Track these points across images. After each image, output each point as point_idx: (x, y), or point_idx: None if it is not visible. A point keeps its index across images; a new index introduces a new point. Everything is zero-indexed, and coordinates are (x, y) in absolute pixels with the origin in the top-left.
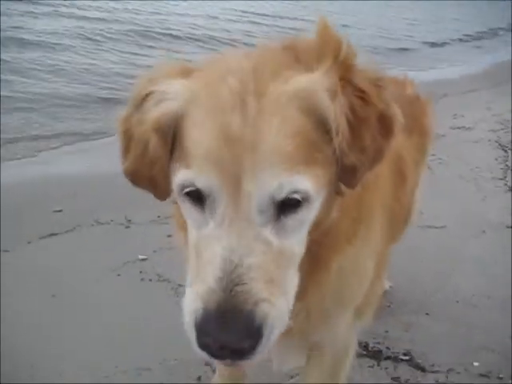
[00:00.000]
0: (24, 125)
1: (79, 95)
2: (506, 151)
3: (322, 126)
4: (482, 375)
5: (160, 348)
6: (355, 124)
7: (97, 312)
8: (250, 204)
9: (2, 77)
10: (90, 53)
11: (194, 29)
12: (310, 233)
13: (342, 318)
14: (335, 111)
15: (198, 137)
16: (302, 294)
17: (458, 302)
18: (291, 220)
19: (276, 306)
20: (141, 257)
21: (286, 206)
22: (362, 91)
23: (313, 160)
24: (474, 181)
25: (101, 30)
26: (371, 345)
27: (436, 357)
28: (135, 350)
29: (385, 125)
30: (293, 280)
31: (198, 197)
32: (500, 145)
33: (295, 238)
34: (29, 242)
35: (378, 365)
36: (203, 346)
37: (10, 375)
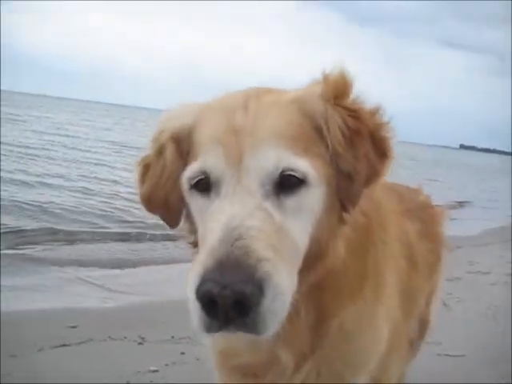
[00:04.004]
0: None
1: None
2: None
3: (318, 129)
4: None
5: None
6: (348, 133)
7: None
8: (250, 177)
9: None
10: None
11: None
12: (315, 259)
13: None
14: (327, 116)
15: (205, 131)
16: (308, 348)
17: None
18: (290, 200)
19: (279, 272)
20: (152, 368)
21: (286, 186)
22: (353, 110)
23: (310, 151)
24: (492, 317)
25: None
26: None
27: None
28: None
29: (377, 144)
30: (294, 273)
31: (205, 188)
32: None
33: (296, 223)
34: (39, 350)
35: None
36: (204, 295)
37: None
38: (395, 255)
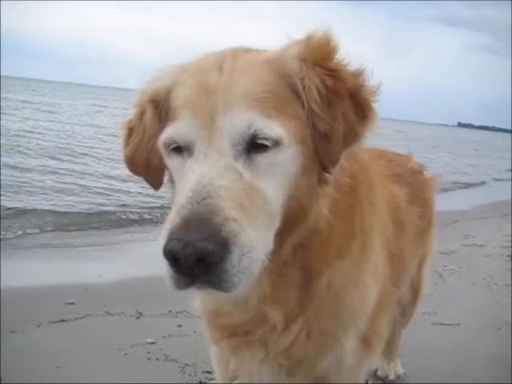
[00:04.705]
0: None
1: None
2: None
3: (294, 89)
4: None
5: None
6: (325, 93)
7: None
8: (221, 137)
9: None
10: None
11: None
12: (298, 219)
13: (345, 343)
14: (303, 75)
15: (180, 93)
16: (298, 308)
17: None
18: (261, 158)
19: (247, 232)
20: (149, 340)
21: (258, 145)
22: (333, 70)
23: (283, 111)
24: (487, 287)
25: None
26: None
27: None
28: None
29: (358, 106)
30: (267, 231)
31: (180, 148)
32: None
33: (269, 182)
34: (38, 326)
35: None
36: (168, 252)
37: None
38: (382, 216)
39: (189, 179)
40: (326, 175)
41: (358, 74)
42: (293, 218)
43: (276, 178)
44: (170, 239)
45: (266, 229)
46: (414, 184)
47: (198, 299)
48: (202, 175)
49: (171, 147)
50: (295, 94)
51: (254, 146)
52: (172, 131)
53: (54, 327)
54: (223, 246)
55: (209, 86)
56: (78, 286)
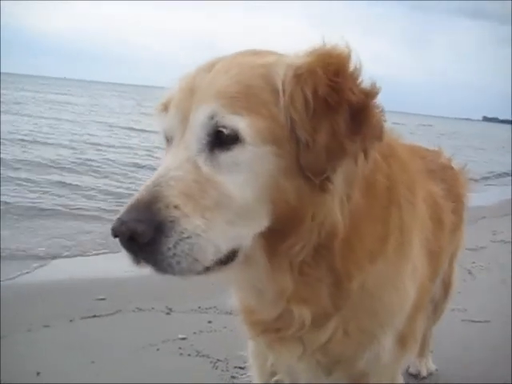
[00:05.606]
0: None
1: None
2: None
3: (277, 94)
4: None
5: None
6: (313, 102)
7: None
8: (190, 132)
9: None
10: None
11: None
12: (292, 222)
13: (384, 341)
14: (286, 81)
15: (176, 93)
16: (331, 307)
17: None
18: (224, 155)
19: (190, 219)
20: (180, 336)
21: (222, 142)
22: (334, 82)
23: (255, 111)
24: None
25: None
26: None
27: None
28: None
29: (357, 122)
30: (233, 225)
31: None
32: None
33: (232, 178)
34: (71, 321)
35: None
36: (111, 229)
37: None
38: (422, 215)
39: (157, 169)
40: (328, 184)
41: (369, 93)
42: (285, 219)
43: (241, 176)
44: (116, 219)
45: (229, 222)
46: (447, 180)
47: (234, 296)
48: (165, 167)
49: (164, 140)
50: (278, 99)
51: (218, 142)
52: (161, 125)
53: (86, 322)
54: (156, 228)
55: (194, 86)
56: (109, 282)
